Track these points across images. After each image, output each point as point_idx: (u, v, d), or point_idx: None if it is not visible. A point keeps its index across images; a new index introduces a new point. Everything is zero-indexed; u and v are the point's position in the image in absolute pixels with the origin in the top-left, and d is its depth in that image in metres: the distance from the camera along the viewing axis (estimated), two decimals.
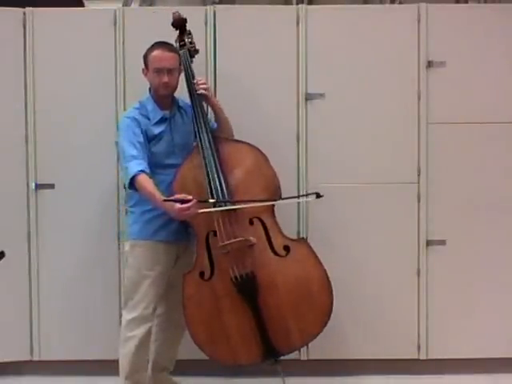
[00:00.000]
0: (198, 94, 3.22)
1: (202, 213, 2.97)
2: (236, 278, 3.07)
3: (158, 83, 3.16)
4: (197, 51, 3.34)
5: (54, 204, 3.61)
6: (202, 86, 3.23)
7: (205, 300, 3.10)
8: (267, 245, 3.13)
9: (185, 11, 3.42)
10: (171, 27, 3.33)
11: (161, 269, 3.19)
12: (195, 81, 3.24)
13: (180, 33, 3.34)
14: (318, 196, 3.13)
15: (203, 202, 2.98)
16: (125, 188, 3.32)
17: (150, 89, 3.24)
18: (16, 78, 3.60)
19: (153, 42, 3.18)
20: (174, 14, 3.34)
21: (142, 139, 3.12)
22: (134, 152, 3.07)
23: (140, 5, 5.72)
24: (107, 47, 3.58)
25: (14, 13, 3.60)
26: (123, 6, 5.40)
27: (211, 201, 3.03)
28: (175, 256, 3.25)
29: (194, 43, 3.34)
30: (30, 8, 3.59)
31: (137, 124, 3.14)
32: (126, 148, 3.09)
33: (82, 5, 4.93)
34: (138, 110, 3.20)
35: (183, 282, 3.13)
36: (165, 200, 2.94)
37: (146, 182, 3.01)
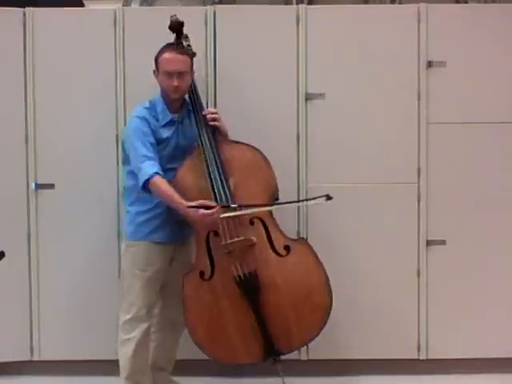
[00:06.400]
0: (209, 126, 3.19)
1: (223, 218, 2.99)
2: (239, 276, 3.09)
3: (168, 87, 3.10)
4: (194, 54, 3.30)
5: (54, 204, 3.61)
6: (211, 116, 3.19)
7: (205, 300, 3.12)
8: (268, 244, 3.15)
9: (185, 11, 3.43)
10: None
11: (154, 270, 3.15)
12: (205, 112, 3.20)
13: (177, 36, 3.30)
14: (329, 198, 3.06)
15: (226, 208, 2.99)
16: (124, 188, 3.33)
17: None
18: (16, 78, 3.59)
19: (164, 44, 3.15)
20: (171, 17, 3.30)
21: (152, 140, 3.07)
22: (146, 152, 3.02)
23: (140, 5, 5.72)
24: (107, 47, 3.58)
25: (14, 13, 3.59)
26: (123, 6, 5.39)
27: (233, 206, 3.02)
28: (170, 257, 3.22)
29: (191, 46, 3.31)
30: (30, 8, 3.59)
31: (147, 124, 3.08)
32: (137, 147, 3.03)
33: (81, 5, 4.93)
34: (148, 109, 3.13)
35: (183, 282, 3.13)
36: (189, 206, 2.91)
37: (163, 185, 2.97)
